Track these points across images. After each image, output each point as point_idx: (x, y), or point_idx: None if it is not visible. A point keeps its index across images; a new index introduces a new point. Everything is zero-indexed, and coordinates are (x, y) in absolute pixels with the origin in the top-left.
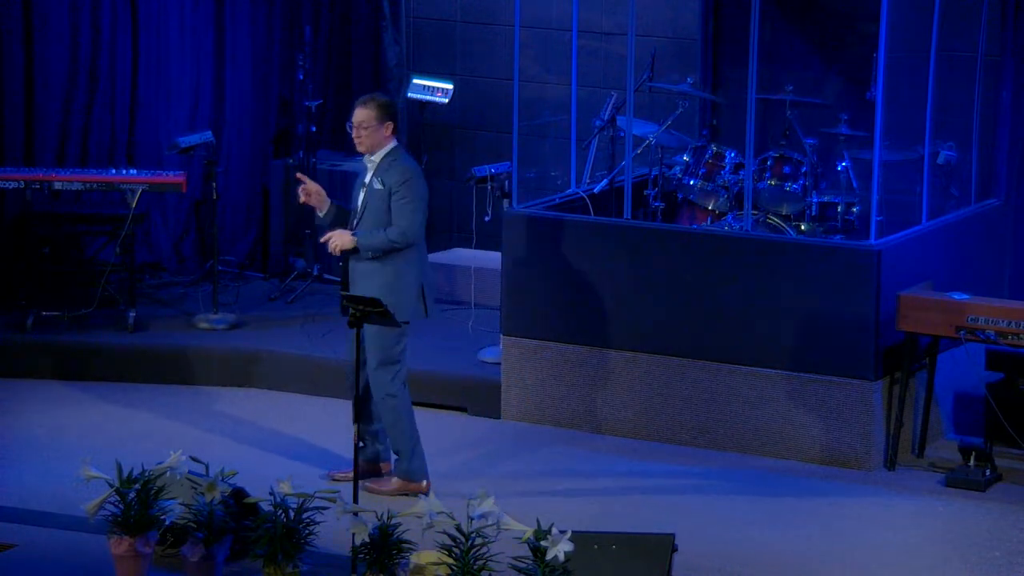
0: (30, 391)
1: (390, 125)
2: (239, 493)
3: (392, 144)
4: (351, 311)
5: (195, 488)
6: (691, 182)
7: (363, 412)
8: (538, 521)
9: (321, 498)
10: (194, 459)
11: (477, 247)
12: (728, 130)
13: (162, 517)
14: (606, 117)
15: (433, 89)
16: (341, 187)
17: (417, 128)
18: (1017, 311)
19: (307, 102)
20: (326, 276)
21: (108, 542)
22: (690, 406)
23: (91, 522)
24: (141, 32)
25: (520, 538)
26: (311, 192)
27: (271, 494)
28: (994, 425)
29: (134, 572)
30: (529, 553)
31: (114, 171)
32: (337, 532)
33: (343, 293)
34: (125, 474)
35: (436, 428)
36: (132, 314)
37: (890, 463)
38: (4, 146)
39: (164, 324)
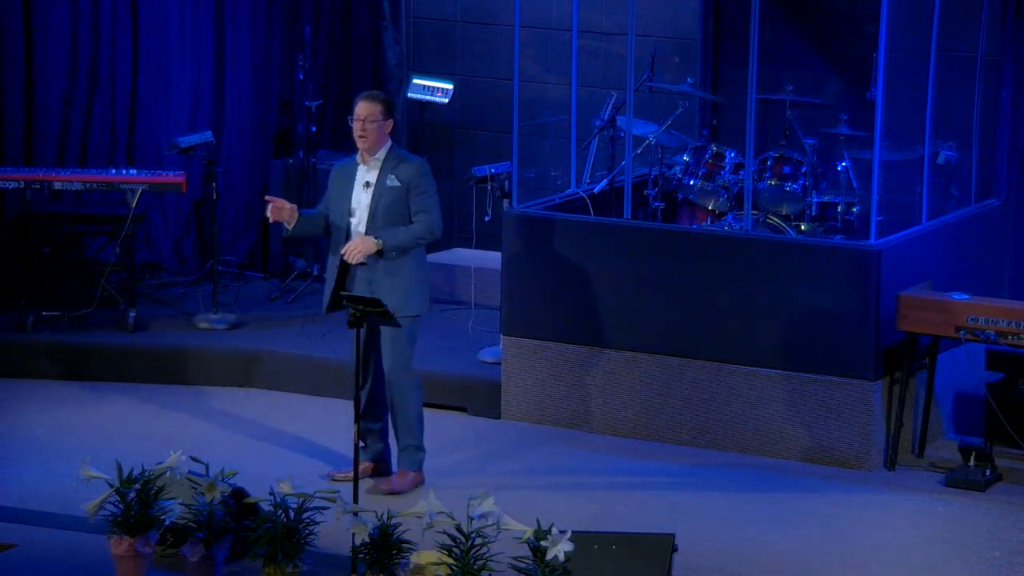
0: (30, 391)
1: (391, 123)
2: (239, 493)
3: (390, 142)
4: (351, 311)
5: (195, 488)
6: (691, 182)
7: (368, 412)
8: (538, 521)
9: (321, 498)
10: (194, 459)
11: (477, 247)
12: (728, 130)
13: (162, 517)
14: (606, 117)
15: (433, 89)
16: None
17: (417, 128)
18: (1017, 311)
19: (307, 102)
20: (326, 276)
21: (108, 542)
22: (690, 406)
23: (91, 522)
24: (141, 32)
25: (520, 538)
26: (283, 209)
27: (271, 494)
28: (994, 425)
29: (134, 572)
30: (529, 553)
31: (114, 171)
32: (337, 532)
33: (343, 293)
34: (125, 474)
35: (436, 428)
36: (132, 314)
37: (890, 463)
38: (4, 146)
39: (164, 324)
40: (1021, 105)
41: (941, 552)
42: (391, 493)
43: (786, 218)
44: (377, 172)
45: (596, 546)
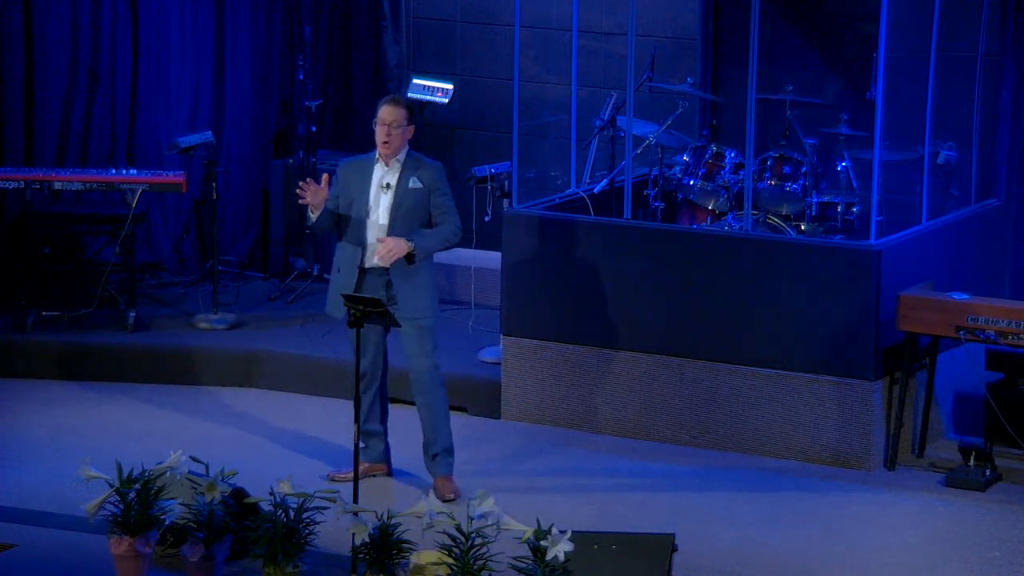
0: (30, 391)
1: (413, 128)
2: (239, 493)
3: (408, 145)
4: (351, 311)
5: (195, 488)
6: (691, 182)
7: (373, 415)
8: (538, 521)
9: (321, 498)
10: (194, 459)
11: (477, 247)
12: (728, 130)
13: (162, 517)
14: (606, 117)
15: (433, 89)
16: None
17: (417, 128)
18: (1017, 311)
19: (307, 102)
20: (326, 276)
21: (108, 542)
22: (690, 406)
23: (91, 522)
24: (141, 32)
25: (520, 538)
26: (320, 191)
27: (271, 494)
28: (994, 425)
29: (134, 572)
30: (529, 553)
31: (114, 171)
32: (337, 532)
33: (344, 294)
34: (125, 474)
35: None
36: (132, 314)
37: (890, 463)
38: (4, 146)
39: (164, 324)
40: (1021, 105)
41: (941, 552)
42: (457, 496)
43: (786, 218)
44: (397, 174)
45: (596, 546)
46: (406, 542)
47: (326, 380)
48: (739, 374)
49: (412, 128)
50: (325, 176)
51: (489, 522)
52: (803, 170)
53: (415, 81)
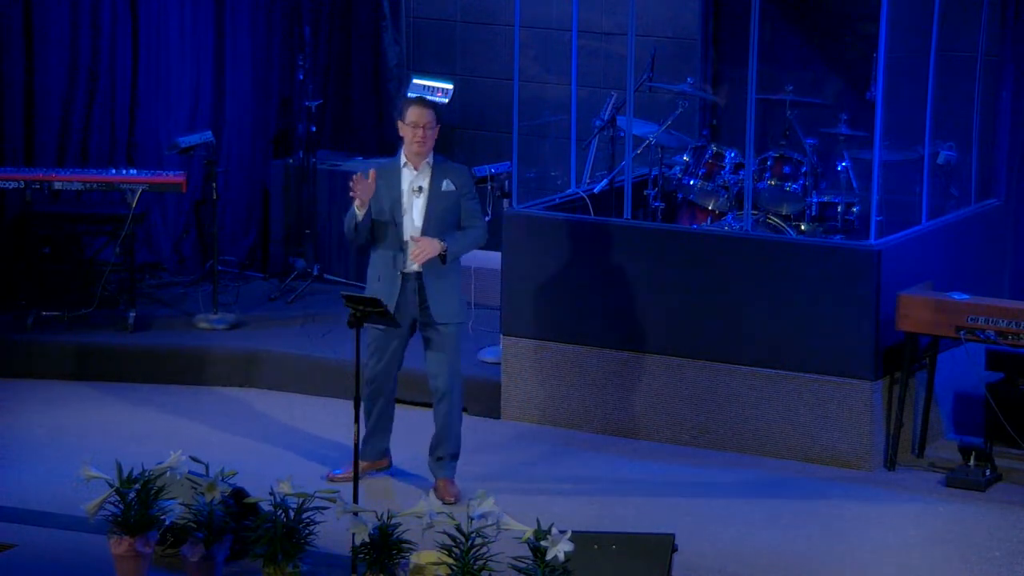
0: (30, 391)
1: (438, 128)
2: (239, 493)
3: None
4: (351, 311)
5: (195, 488)
6: (691, 182)
7: (385, 425)
8: (538, 521)
9: (321, 498)
10: (194, 459)
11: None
12: (728, 130)
13: (162, 517)
14: (606, 117)
15: (433, 89)
16: (341, 187)
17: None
18: (1017, 311)
19: (307, 102)
20: (326, 276)
21: (108, 542)
22: (690, 406)
23: (91, 522)
24: (141, 32)
25: (520, 538)
26: (368, 190)
27: (271, 494)
28: (994, 425)
29: (134, 572)
30: (529, 553)
31: (114, 171)
32: (337, 532)
33: (344, 294)
34: (125, 474)
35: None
36: (132, 314)
37: (890, 463)
38: (4, 146)
39: (164, 324)
40: (1021, 105)
41: (941, 552)
42: (458, 500)
43: (786, 218)
44: (428, 177)
45: (596, 546)
46: (406, 542)
47: (326, 380)
48: (739, 374)
49: (438, 127)
50: (372, 171)
51: (489, 522)
52: (803, 170)
53: (415, 81)
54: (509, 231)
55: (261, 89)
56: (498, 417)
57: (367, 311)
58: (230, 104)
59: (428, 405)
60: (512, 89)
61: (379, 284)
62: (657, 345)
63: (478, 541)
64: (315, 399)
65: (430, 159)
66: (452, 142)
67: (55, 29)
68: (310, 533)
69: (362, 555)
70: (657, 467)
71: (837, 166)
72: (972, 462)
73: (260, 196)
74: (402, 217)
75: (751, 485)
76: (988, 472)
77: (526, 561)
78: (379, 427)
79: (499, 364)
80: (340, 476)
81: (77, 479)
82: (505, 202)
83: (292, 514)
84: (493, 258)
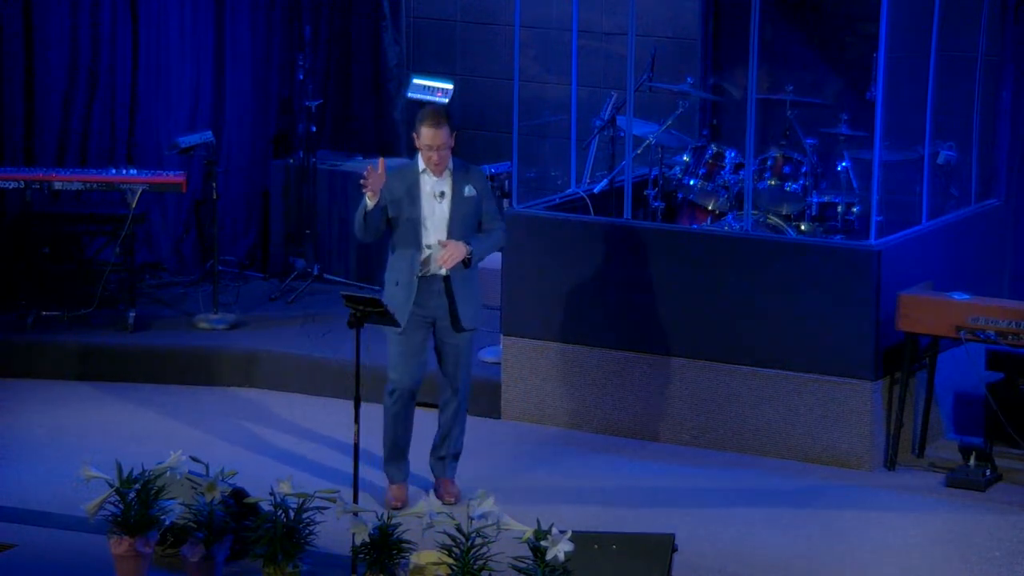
0: (30, 391)
1: (454, 135)
2: (239, 493)
3: None
4: (351, 311)
5: (195, 488)
6: (691, 182)
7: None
8: (538, 521)
9: (321, 498)
10: (194, 459)
11: None
12: (728, 130)
13: (162, 517)
14: (606, 117)
15: (433, 89)
16: (341, 187)
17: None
18: (1017, 311)
19: (307, 102)
20: (326, 276)
21: (108, 542)
22: (690, 406)
23: (91, 522)
24: (141, 32)
25: (520, 538)
26: (379, 180)
27: (271, 494)
28: (994, 425)
29: (134, 572)
30: (529, 553)
31: (114, 171)
32: (337, 532)
33: (344, 294)
34: (125, 474)
35: (436, 428)
36: (132, 314)
37: (890, 463)
38: (4, 146)
39: (164, 324)
40: (1021, 105)
41: (941, 552)
42: (458, 500)
43: (786, 218)
44: (450, 183)
45: (596, 546)
46: (406, 542)
47: (326, 380)
48: (739, 374)
49: (455, 135)
50: (381, 160)
51: (489, 522)
52: (803, 170)
53: (415, 81)
54: (509, 231)
55: (261, 89)
56: (498, 417)
57: (367, 311)
58: (230, 104)
59: (427, 405)
60: (512, 89)
61: (397, 289)
62: (657, 345)
63: (478, 541)
64: (315, 399)
65: (450, 165)
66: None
67: (55, 29)
68: (310, 533)
69: (362, 555)
70: (657, 467)
71: (837, 166)
72: (972, 462)
73: (260, 196)
74: (423, 222)
75: (751, 485)
76: (988, 472)
77: (526, 561)
78: (407, 440)
79: (499, 364)
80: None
81: (77, 479)
82: (505, 202)
83: (292, 514)
84: (493, 258)
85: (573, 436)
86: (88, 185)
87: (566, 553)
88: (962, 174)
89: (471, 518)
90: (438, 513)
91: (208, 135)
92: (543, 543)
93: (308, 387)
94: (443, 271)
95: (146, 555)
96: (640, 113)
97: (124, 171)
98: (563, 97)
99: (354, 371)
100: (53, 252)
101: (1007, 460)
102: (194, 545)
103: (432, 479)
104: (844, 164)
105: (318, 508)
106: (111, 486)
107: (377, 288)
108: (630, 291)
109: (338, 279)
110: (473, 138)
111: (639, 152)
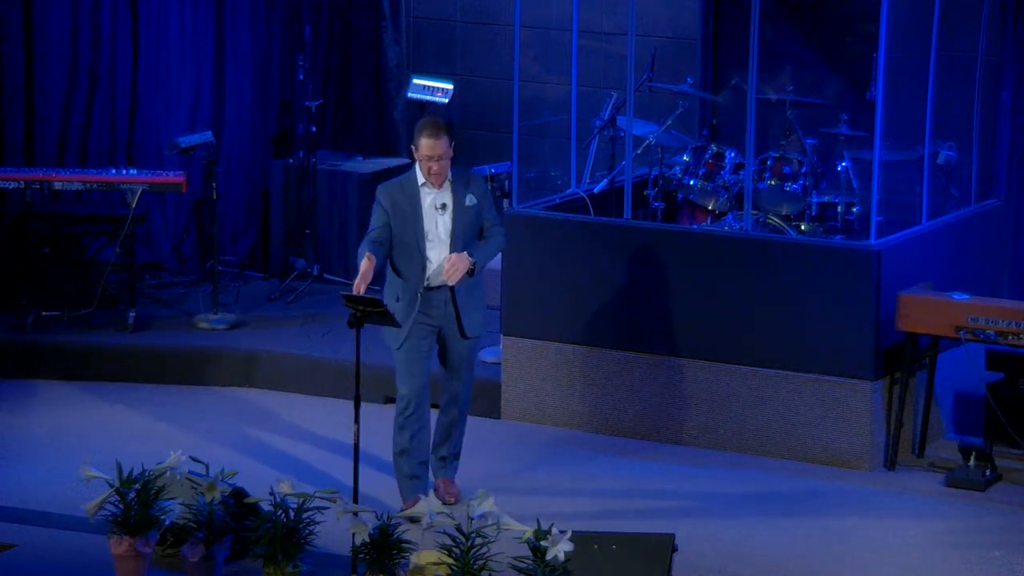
0: (30, 391)
1: (454, 144)
2: (239, 493)
3: None
4: (351, 311)
5: (195, 488)
6: (691, 182)
7: (425, 442)
8: (538, 521)
9: (321, 498)
10: (194, 459)
11: None
12: (728, 130)
13: (162, 517)
14: (606, 117)
15: (433, 89)
16: (341, 187)
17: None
18: (1017, 311)
19: (307, 102)
20: (326, 276)
21: (108, 542)
22: (690, 406)
23: (91, 522)
24: (141, 32)
25: (520, 538)
26: (369, 275)
27: (271, 494)
28: (994, 425)
29: (134, 572)
30: (529, 553)
31: (114, 171)
32: (337, 532)
33: (344, 294)
34: (125, 474)
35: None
36: (132, 314)
37: (890, 463)
38: (4, 146)
39: (164, 324)
40: (1021, 105)
41: (941, 552)
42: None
43: (786, 218)
44: (450, 193)
45: (596, 546)
46: (406, 542)
47: (326, 380)
48: (739, 374)
49: (454, 145)
50: (368, 259)
51: (489, 522)
52: (803, 170)
53: (415, 81)
54: (509, 231)
55: (261, 89)
56: (498, 417)
57: (367, 311)
58: (230, 104)
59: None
60: (512, 89)
61: (398, 304)
62: (657, 345)
63: (478, 541)
64: (315, 399)
65: (449, 175)
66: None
67: (55, 29)
68: (310, 533)
69: (362, 555)
70: (657, 467)
71: (837, 166)
72: (972, 462)
73: (260, 196)
74: (426, 236)
75: (751, 485)
76: (988, 472)
77: (526, 561)
78: (426, 448)
79: (499, 364)
80: (407, 507)
81: (77, 479)
82: (505, 202)
83: (292, 514)
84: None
85: (573, 436)
86: (88, 185)
87: (566, 553)
88: (962, 174)
89: (471, 518)
90: (438, 513)
91: (208, 135)
92: (543, 543)
93: (308, 387)
94: (447, 283)
95: (146, 555)
96: (640, 113)
97: (124, 171)
98: (563, 97)
99: (354, 371)
100: (53, 252)
101: (1007, 460)
102: (194, 545)
103: (432, 479)
104: (844, 164)
105: (318, 508)
106: (111, 486)
107: (377, 288)
108: (630, 291)
109: (338, 279)
110: (473, 138)
111: (639, 152)
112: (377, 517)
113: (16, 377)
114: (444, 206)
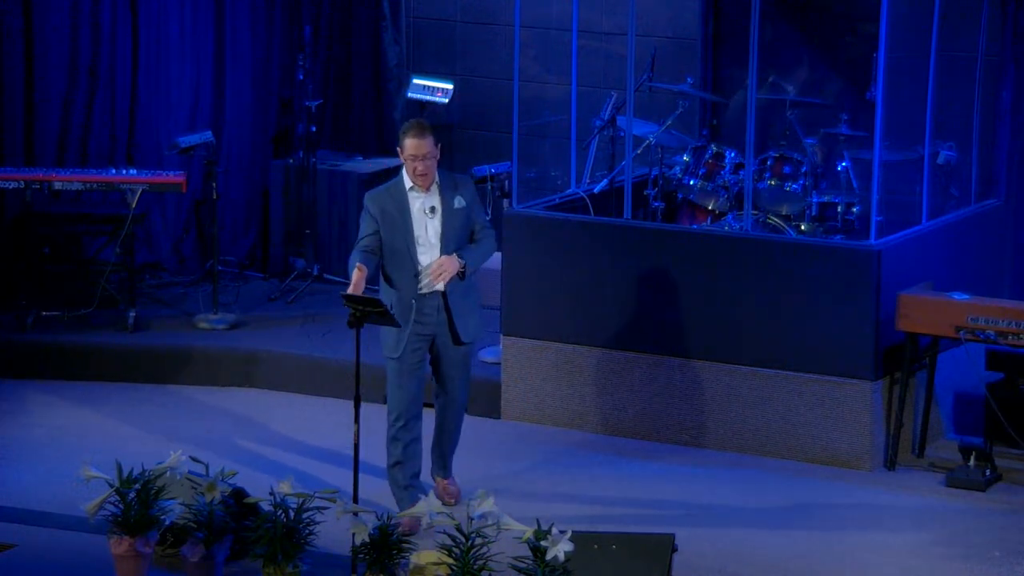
0: (30, 391)
1: (439, 146)
2: (239, 493)
3: None
4: (351, 311)
5: (195, 488)
6: (691, 182)
7: (417, 456)
8: (538, 521)
9: (321, 498)
10: (194, 459)
11: None
12: (728, 130)
13: (162, 517)
14: (606, 117)
15: (433, 89)
16: (341, 187)
17: None
18: (1017, 311)
19: (307, 102)
20: (326, 276)
21: (108, 542)
22: (690, 406)
23: (91, 522)
24: (141, 32)
25: (520, 538)
26: (363, 282)
27: (271, 494)
28: (994, 425)
29: (134, 572)
30: (529, 553)
31: (114, 171)
32: (337, 532)
33: (344, 294)
34: (125, 474)
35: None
36: (132, 314)
37: (890, 463)
38: (4, 146)
39: (164, 324)
40: (1021, 105)
41: (941, 552)
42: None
43: (786, 218)
44: (438, 196)
45: (596, 546)
46: (406, 542)
47: (326, 380)
48: (739, 374)
49: (439, 146)
50: (359, 269)
51: (489, 522)
52: (803, 170)
53: (415, 81)
54: (509, 231)
55: (261, 89)
56: (498, 417)
57: (367, 311)
58: (230, 104)
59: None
60: (512, 89)
61: (394, 307)
62: (657, 345)
63: (478, 541)
64: (315, 399)
65: (436, 178)
66: (452, 142)
67: (55, 29)
68: (310, 533)
69: (362, 555)
70: (657, 467)
71: (837, 166)
72: (972, 462)
73: (260, 196)
74: (415, 241)
75: (751, 485)
76: (988, 472)
77: (526, 561)
78: (418, 461)
79: (499, 364)
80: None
81: (77, 479)
82: (505, 202)
83: (292, 514)
84: (493, 258)
85: (573, 436)
86: (88, 185)
87: (566, 553)
88: (962, 174)
89: (471, 518)
90: (438, 513)
91: (208, 135)
92: (543, 543)
93: (308, 387)
94: (440, 287)
95: (146, 555)
96: (640, 113)
97: (124, 171)
98: (563, 97)
99: (354, 371)
100: (53, 252)
101: (1007, 460)
102: (194, 545)
103: (432, 479)
104: (844, 164)
105: (318, 508)
106: (111, 486)
107: (376, 288)
108: (630, 291)
109: (338, 279)
110: (473, 138)
111: (639, 152)
112: (377, 517)
113: (16, 377)
114: (433, 209)
